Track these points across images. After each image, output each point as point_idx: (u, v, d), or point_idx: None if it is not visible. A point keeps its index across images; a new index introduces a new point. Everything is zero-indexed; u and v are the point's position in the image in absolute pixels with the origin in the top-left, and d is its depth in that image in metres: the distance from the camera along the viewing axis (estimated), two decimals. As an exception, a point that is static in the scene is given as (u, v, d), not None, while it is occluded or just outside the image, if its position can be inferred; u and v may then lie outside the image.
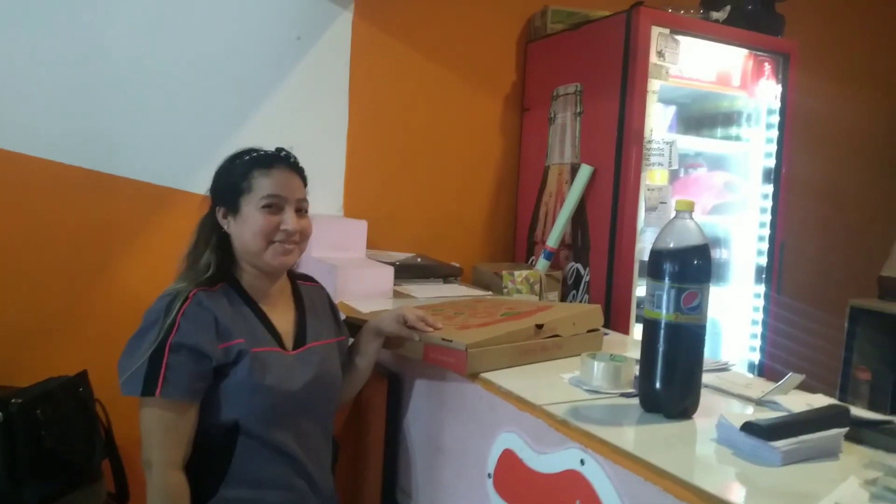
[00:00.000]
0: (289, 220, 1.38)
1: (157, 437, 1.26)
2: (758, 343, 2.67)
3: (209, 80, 2.31)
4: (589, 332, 1.68)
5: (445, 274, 2.42)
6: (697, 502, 0.91)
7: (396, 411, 1.71)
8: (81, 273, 2.17)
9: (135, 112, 2.21)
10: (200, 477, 1.32)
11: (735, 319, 2.72)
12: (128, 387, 1.26)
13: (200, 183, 2.34)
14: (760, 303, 2.67)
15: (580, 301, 2.52)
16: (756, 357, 2.67)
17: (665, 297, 1.18)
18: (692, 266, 1.17)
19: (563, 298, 2.57)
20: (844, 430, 1.08)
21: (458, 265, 2.48)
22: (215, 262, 1.39)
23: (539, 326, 1.54)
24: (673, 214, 1.17)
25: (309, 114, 2.49)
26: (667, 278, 1.17)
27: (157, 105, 2.24)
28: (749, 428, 1.04)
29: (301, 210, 1.42)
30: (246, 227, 1.37)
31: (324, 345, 1.49)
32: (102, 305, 2.19)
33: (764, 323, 2.65)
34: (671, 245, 1.19)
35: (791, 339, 2.75)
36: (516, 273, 2.34)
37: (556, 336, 1.57)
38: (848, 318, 3.00)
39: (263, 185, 1.37)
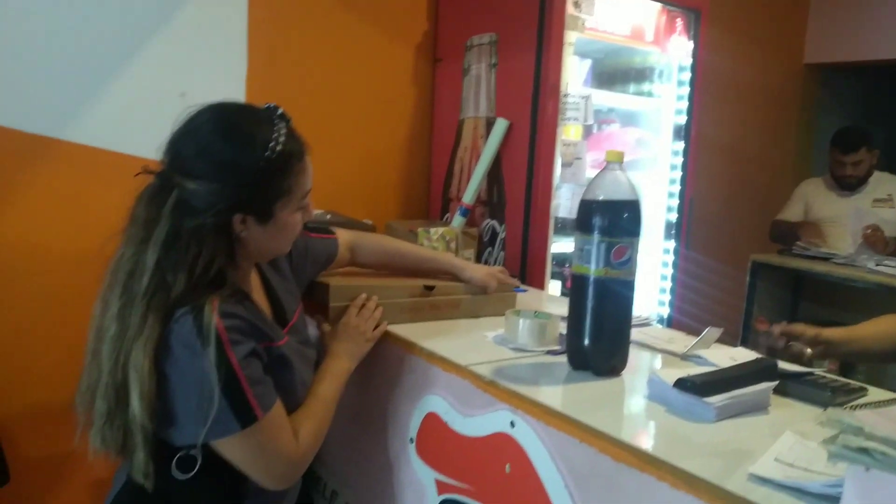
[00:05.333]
0: (310, 210, 1.19)
1: (283, 436, 1.08)
2: (667, 298, 2.71)
3: (91, 15, 2.07)
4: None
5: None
6: (635, 462, 0.87)
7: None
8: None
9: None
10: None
11: (644, 274, 2.75)
12: (218, 430, 1.01)
13: (80, 132, 2.16)
14: (670, 258, 2.71)
15: (496, 259, 2.48)
16: (665, 311, 2.71)
17: (594, 252, 1.13)
18: (623, 219, 1.13)
19: (479, 256, 2.52)
20: (774, 383, 1.07)
21: (370, 222, 2.38)
22: (230, 271, 1.09)
23: (429, 288, 1.50)
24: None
25: (203, 58, 2.30)
26: (596, 232, 1.12)
27: (26, 39, 1.99)
28: (682, 384, 1.01)
29: None
30: (282, 235, 1.14)
31: (300, 313, 1.32)
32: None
33: (673, 278, 2.70)
34: (601, 197, 1.14)
35: (697, 293, 2.82)
36: (432, 230, 2.26)
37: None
38: (749, 273, 3.11)
39: (302, 182, 1.12)
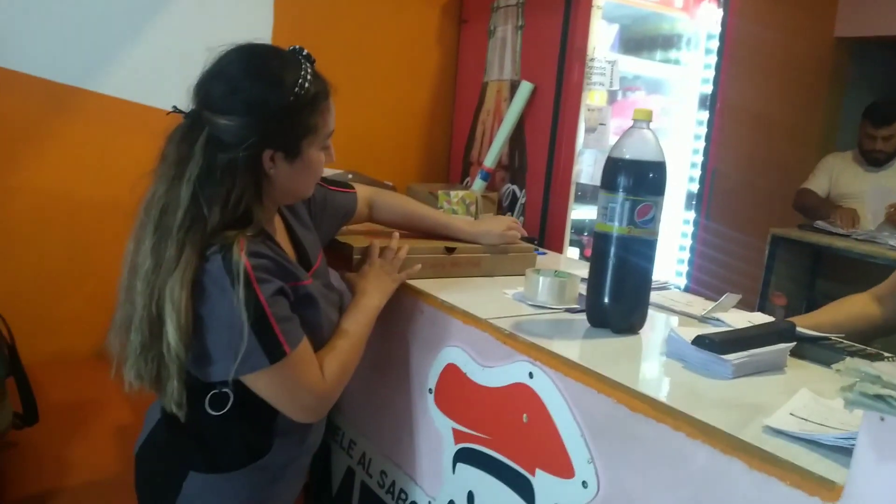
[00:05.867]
0: (332, 153, 1.21)
1: (310, 370, 1.11)
2: (685, 268, 2.72)
3: (119, -32, 2.09)
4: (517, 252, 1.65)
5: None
6: (652, 413, 0.89)
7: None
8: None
9: (33, 1, 1.97)
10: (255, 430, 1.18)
11: (663, 243, 2.75)
12: (248, 366, 1.04)
13: (108, 83, 2.17)
14: (689, 229, 2.70)
15: (514, 223, 2.49)
16: (682, 282, 2.72)
17: (618, 210, 1.13)
18: (648, 178, 1.13)
19: (498, 220, 2.53)
20: (791, 344, 1.08)
21: (391, 184, 2.39)
22: (257, 211, 1.09)
23: (450, 250, 1.52)
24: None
25: (230, 13, 2.30)
26: (621, 190, 1.13)
27: (56, -8, 2.01)
28: (700, 341, 1.03)
29: None
30: (308, 173, 1.16)
31: (323, 260, 1.35)
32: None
33: (692, 249, 2.70)
34: (627, 156, 1.14)
35: (716, 263, 2.82)
36: (452, 193, 2.27)
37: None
38: (769, 246, 3.10)
39: (328, 121, 1.15)
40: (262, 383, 1.08)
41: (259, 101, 1.06)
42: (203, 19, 2.24)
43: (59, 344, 2.15)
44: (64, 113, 2.10)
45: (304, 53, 1.14)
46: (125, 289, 1.06)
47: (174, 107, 1.08)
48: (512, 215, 2.49)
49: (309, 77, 1.10)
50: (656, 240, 1.16)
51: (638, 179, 1.12)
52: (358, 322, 1.26)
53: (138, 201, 1.08)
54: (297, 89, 1.07)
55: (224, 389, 1.09)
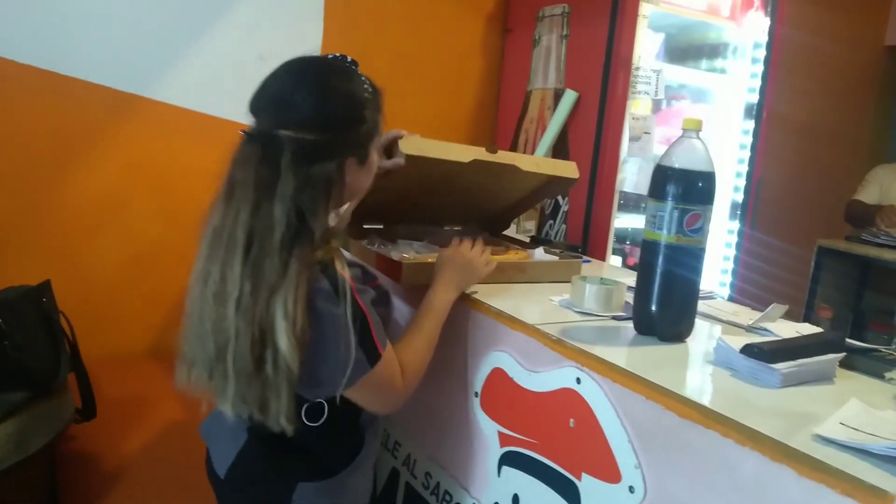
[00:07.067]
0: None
1: (395, 367, 1.15)
2: (728, 278, 2.69)
3: (177, -19, 2.17)
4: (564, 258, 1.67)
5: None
6: (700, 420, 0.90)
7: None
8: (37, 181, 2.07)
9: (95, 10, 2.06)
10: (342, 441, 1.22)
11: (707, 253, 2.73)
12: (354, 377, 1.06)
13: (164, 91, 2.25)
14: (733, 238, 2.68)
15: (557, 232, 2.50)
16: (725, 291, 2.70)
17: (667, 218, 1.15)
18: (698, 187, 1.14)
19: (540, 228, 2.55)
20: (841, 355, 1.08)
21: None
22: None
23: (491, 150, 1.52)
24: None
25: (281, 23, 2.37)
26: (670, 199, 1.14)
27: (119, 4, 2.09)
28: (749, 350, 1.03)
29: None
30: (370, 173, 1.18)
31: None
32: (62, 216, 2.09)
33: (736, 259, 2.67)
34: (676, 164, 1.15)
35: (760, 273, 2.79)
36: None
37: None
38: (815, 257, 3.05)
39: (380, 121, 1.18)
40: (359, 388, 1.10)
41: (342, 115, 1.09)
42: (256, 30, 2.31)
43: (115, 343, 2.23)
44: (122, 119, 2.18)
45: (350, 60, 1.18)
46: (211, 321, 1.04)
47: (244, 131, 1.08)
48: (553, 223, 2.51)
49: (367, 83, 1.14)
50: (704, 249, 1.17)
51: (687, 188, 1.13)
52: (432, 320, 1.28)
53: (200, 229, 1.07)
54: (366, 95, 1.12)
55: (318, 400, 1.13)
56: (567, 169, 1.71)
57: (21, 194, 2.04)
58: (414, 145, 1.44)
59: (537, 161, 1.69)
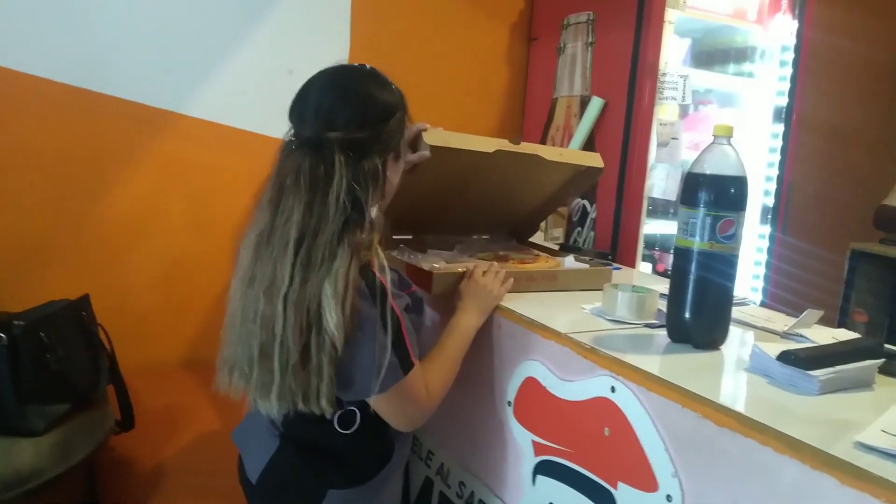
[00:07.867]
0: None
1: (421, 382, 1.17)
2: (760, 283, 2.67)
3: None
4: (594, 265, 1.67)
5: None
6: (738, 428, 0.89)
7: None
8: (73, 196, 2.11)
9: (126, 28, 2.11)
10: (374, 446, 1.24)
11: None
12: (387, 382, 1.09)
13: (195, 106, 2.30)
14: (765, 244, 2.65)
15: (585, 239, 2.50)
16: (757, 297, 2.67)
17: (699, 225, 1.14)
18: (730, 193, 1.14)
19: (568, 236, 2.55)
20: (880, 361, 1.06)
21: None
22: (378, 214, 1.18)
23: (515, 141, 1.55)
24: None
25: (309, 37, 2.40)
26: (702, 206, 1.14)
27: (150, 22, 2.14)
28: (786, 357, 1.02)
29: None
30: (400, 170, 1.25)
31: None
32: (97, 230, 2.14)
33: (767, 264, 2.65)
34: (708, 171, 1.15)
35: (792, 278, 2.75)
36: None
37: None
38: (848, 261, 3.00)
39: (406, 121, 1.25)
40: (386, 397, 1.11)
41: (381, 115, 1.15)
42: (284, 43, 2.35)
43: (150, 354, 2.27)
44: (154, 134, 2.23)
45: (369, 67, 1.23)
46: (261, 317, 1.05)
47: (289, 139, 1.12)
48: (581, 230, 2.50)
49: (394, 86, 1.20)
50: (738, 255, 1.16)
51: (720, 195, 1.13)
52: (457, 342, 1.31)
53: (240, 233, 1.12)
54: (397, 96, 1.18)
55: (350, 408, 1.15)
56: (592, 159, 1.71)
57: (62, 211, 2.09)
58: (438, 137, 1.46)
59: (561, 151, 1.70)
